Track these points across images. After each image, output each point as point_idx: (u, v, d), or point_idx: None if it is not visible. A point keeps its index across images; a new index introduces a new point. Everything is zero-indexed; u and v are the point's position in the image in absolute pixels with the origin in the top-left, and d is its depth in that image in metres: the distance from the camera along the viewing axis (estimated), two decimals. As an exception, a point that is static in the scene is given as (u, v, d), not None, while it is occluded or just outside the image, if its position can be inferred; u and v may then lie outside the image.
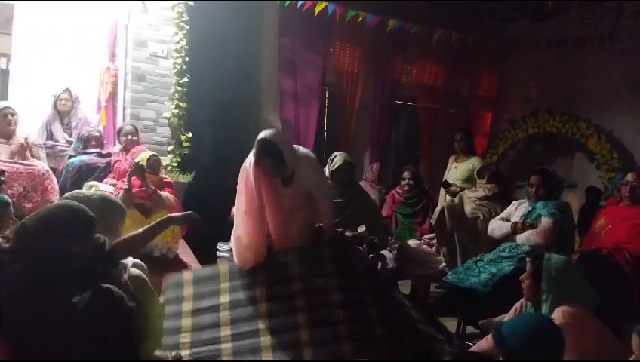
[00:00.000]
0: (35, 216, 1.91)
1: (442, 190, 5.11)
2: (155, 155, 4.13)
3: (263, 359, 2.49)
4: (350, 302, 2.68)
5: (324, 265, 2.81)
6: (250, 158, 2.86)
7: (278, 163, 2.80)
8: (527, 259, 2.51)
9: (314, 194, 3.00)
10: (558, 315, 2.22)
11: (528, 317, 2.26)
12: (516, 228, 3.57)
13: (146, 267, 2.58)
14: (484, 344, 2.48)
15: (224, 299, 2.77)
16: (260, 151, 2.79)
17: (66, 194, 2.44)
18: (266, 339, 2.57)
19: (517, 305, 2.59)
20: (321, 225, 2.97)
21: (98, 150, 4.60)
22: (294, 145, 3.00)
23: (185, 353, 2.56)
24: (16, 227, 1.94)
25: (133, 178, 3.85)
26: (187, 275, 2.95)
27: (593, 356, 2.12)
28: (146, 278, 2.51)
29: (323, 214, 3.02)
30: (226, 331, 2.64)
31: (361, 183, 5.03)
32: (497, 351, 2.01)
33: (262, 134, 2.83)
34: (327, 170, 3.92)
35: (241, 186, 2.91)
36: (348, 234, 3.70)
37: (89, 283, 1.90)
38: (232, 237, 3.03)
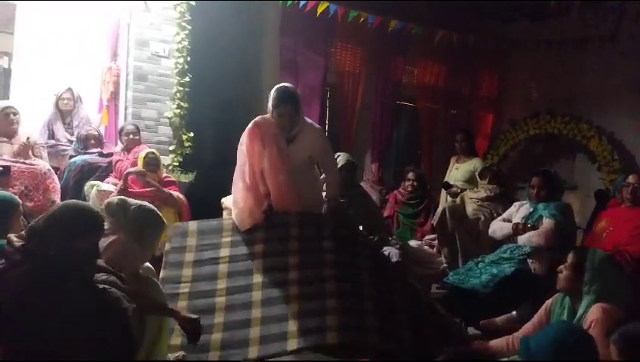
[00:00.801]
0: (44, 215, 1.91)
1: (443, 191, 5.12)
2: (152, 152, 4.16)
3: (252, 313, 2.56)
4: (342, 263, 2.77)
5: (322, 230, 2.90)
6: (257, 119, 3.04)
7: (296, 110, 3.01)
8: (571, 253, 2.46)
9: (320, 161, 3.15)
10: (596, 310, 2.21)
11: (557, 325, 2.18)
12: (517, 230, 3.57)
13: (153, 269, 2.57)
14: (503, 344, 2.47)
15: (224, 252, 2.85)
16: (281, 96, 2.98)
17: (107, 201, 2.42)
18: (257, 294, 2.66)
19: (547, 303, 2.55)
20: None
21: (99, 150, 4.61)
22: None
23: (182, 304, 2.62)
24: (28, 226, 1.95)
25: (131, 178, 3.93)
26: (192, 226, 3.03)
27: None
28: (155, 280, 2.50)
29: (328, 183, 3.07)
30: (222, 284, 2.72)
31: (362, 184, 5.04)
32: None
33: (280, 85, 3.02)
34: None
35: (242, 149, 3.02)
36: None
37: (88, 283, 1.91)
38: (232, 200, 3.11)
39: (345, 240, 2.92)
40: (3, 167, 3.67)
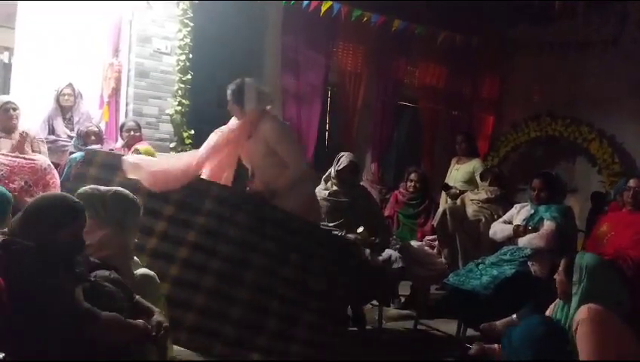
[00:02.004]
0: (23, 209, 1.91)
1: (443, 192, 5.11)
2: (139, 151, 4.06)
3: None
4: (239, 238, 2.88)
5: (237, 209, 2.94)
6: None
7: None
8: (563, 259, 2.48)
9: (277, 152, 3.14)
10: (583, 311, 2.20)
11: (530, 321, 2.27)
12: (518, 231, 3.56)
13: (156, 277, 2.54)
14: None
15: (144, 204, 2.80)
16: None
17: (80, 190, 2.41)
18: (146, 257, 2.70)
19: (551, 307, 2.54)
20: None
21: (99, 146, 4.58)
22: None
23: None
24: (12, 222, 1.95)
25: None
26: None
27: (613, 357, 2.11)
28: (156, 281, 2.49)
29: (281, 173, 3.12)
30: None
31: (362, 183, 5.02)
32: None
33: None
34: (332, 170, 3.93)
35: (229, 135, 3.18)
36: (350, 236, 3.69)
37: (76, 275, 1.90)
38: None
39: (256, 222, 2.95)
40: None
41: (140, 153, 3.98)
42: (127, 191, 2.43)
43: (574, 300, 2.32)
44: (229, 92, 3.24)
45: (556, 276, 2.45)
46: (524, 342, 1.82)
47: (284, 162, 3.14)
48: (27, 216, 1.89)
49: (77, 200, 2.02)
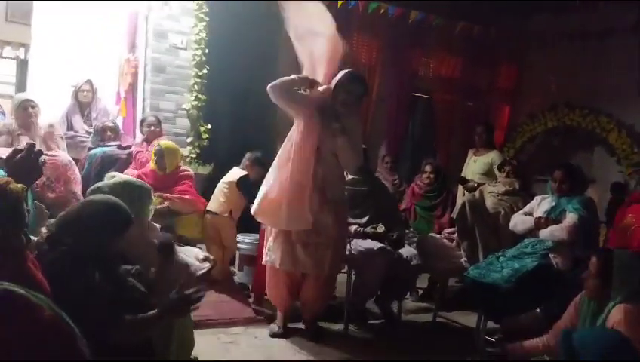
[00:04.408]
0: (75, 208, 1.92)
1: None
2: (159, 146, 4.05)
3: None
4: None
5: None
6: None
7: (364, 95, 3.35)
8: (594, 257, 2.41)
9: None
10: (619, 311, 2.18)
11: (604, 333, 2.19)
12: (539, 223, 3.50)
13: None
14: (538, 344, 2.45)
15: None
16: (354, 79, 3.23)
17: (89, 190, 2.45)
18: None
19: (575, 300, 2.52)
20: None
21: (118, 143, 4.61)
22: None
23: None
24: (58, 218, 1.95)
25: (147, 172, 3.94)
26: None
27: None
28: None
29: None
30: None
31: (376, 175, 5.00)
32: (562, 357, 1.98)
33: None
34: None
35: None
36: (368, 230, 3.70)
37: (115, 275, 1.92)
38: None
39: None
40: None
41: (161, 148, 4.01)
42: (135, 179, 2.46)
43: (611, 304, 2.27)
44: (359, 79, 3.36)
45: (586, 275, 2.39)
46: (594, 351, 1.75)
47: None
48: (77, 218, 1.87)
49: (127, 208, 1.99)
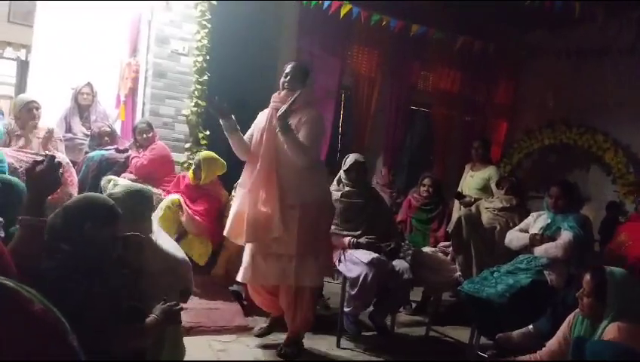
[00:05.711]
0: (61, 209, 1.92)
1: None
2: (198, 156, 4.16)
3: None
4: None
5: None
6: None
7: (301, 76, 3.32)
8: (587, 275, 2.40)
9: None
10: (613, 330, 2.18)
11: (616, 344, 2.16)
12: (535, 240, 3.52)
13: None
14: (531, 360, 2.45)
15: None
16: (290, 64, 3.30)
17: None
18: None
19: (569, 318, 2.51)
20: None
21: (115, 146, 4.61)
22: None
23: None
24: (47, 224, 1.94)
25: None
26: None
27: None
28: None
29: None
30: None
31: (373, 187, 5.00)
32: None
33: None
34: (341, 172, 3.93)
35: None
36: (362, 241, 3.68)
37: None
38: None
39: None
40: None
41: (199, 159, 4.14)
42: (137, 184, 2.48)
43: (605, 322, 2.26)
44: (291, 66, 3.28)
45: (582, 296, 2.38)
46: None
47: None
48: (69, 214, 1.90)
49: (109, 200, 2.04)
